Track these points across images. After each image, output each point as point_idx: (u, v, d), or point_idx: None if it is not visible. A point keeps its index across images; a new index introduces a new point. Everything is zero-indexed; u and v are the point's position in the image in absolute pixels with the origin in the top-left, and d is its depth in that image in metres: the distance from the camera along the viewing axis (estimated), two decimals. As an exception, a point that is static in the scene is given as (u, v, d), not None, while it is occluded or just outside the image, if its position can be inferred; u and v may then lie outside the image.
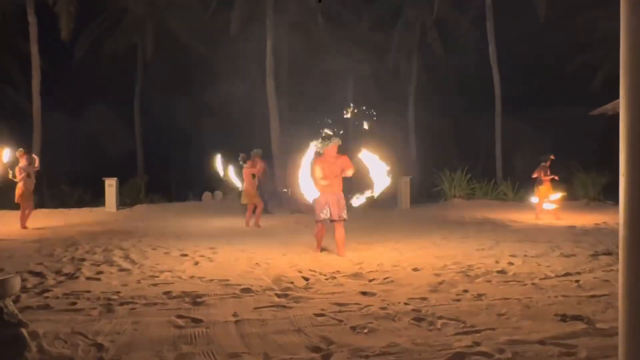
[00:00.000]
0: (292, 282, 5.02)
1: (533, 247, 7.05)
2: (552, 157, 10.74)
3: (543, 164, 10.74)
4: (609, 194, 14.22)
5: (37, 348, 3.09)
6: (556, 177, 10.83)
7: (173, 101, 21.68)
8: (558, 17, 17.92)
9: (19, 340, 2.96)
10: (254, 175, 10.15)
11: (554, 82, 19.49)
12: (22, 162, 10.02)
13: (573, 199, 14.57)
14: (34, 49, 16.59)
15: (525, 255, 6.35)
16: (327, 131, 6.88)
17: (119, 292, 4.65)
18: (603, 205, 13.69)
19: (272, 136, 16.73)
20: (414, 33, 20.89)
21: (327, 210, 6.48)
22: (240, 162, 10.20)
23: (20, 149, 10.36)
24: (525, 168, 16.93)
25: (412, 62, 21.31)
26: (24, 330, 3.03)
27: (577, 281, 4.90)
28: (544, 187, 10.77)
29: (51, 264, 6.16)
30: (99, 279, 5.30)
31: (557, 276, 5.14)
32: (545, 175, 10.70)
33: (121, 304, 4.24)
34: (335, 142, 6.54)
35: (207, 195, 16.30)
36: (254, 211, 10.18)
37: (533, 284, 4.84)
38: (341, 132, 19.66)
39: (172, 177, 19.27)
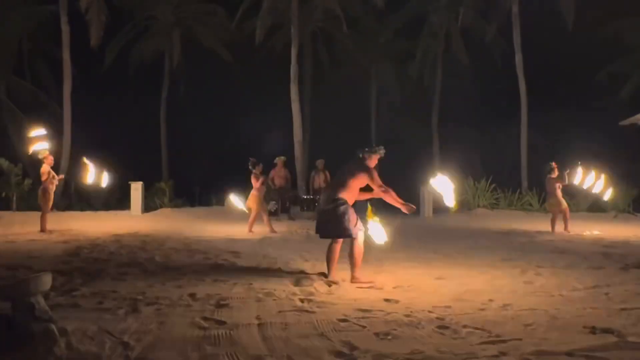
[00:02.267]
0: (314, 287, 5.02)
1: (560, 258, 6.90)
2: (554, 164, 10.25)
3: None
4: (639, 207, 13.86)
5: (66, 344, 3.15)
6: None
7: (198, 107, 22.03)
8: (586, 26, 17.63)
9: (49, 335, 3.03)
10: (262, 183, 10.15)
11: (582, 91, 19.14)
12: (47, 164, 10.03)
13: (601, 211, 14.23)
14: (66, 55, 17.05)
15: (552, 267, 6.21)
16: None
17: (144, 293, 4.72)
18: (633, 218, 13.33)
19: (295, 142, 16.82)
20: (438, 41, 20.81)
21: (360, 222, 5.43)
22: (250, 167, 10.18)
23: (46, 150, 10.43)
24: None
25: (436, 70, 21.21)
26: (53, 326, 3.10)
27: (606, 293, 4.77)
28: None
29: (78, 264, 6.30)
30: (124, 280, 5.40)
31: (585, 288, 5.02)
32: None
33: (146, 304, 4.30)
34: (380, 152, 5.54)
35: (230, 200, 16.42)
36: (274, 213, 10.18)
37: (561, 295, 4.74)
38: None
39: (195, 182, 19.52)
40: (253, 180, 10.06)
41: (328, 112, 20.67)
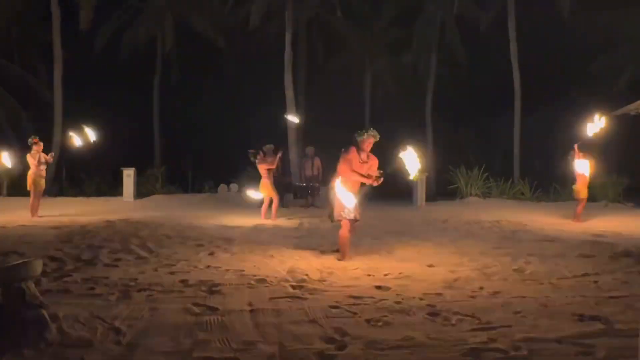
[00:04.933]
0: (306, 274, 5.03)
1: (551, 247, 6.96)
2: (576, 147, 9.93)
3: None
4: (629, 197, 13.96)
5: (57, 330, 3.15)
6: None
7: (191, 93, 21.84)
8: (582, 15, 17.57)
9: (40, 321, 3.03)
10: (269, 170, 10.15)
11: (576, 81, 19.15)
12: (36, 150, 9.98)
13: (592, 200, 14.33)
14: (57, 39, 16.80)
15: (542, 255, 6.26)
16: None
17: (136, 279, 4.72)
18: (623, 208, 13.44)
19: (288, 129, 16.75)
20: (434, 29, 20.69)
21: (351, 208, 5.80)
22: (251, 158, 10.21)
23: (33, 135, 10.35)
24: (544, 167, 16.70)
25: (431, 58, 21.13)
26: (44, 312, 3.10)
27: (595, 282, 4.83)
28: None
29: (70, 250, 6.27)
30: (116, 266, 5.39)
31: (575, 276, 5.07)
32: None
33: (138, 291, 4.30)
34: (372, 135, 5.83)
35: (223, 187, 16.39)
36: (270, 204, 10.22)
37: (550, 283, 4.79)
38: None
39: (188, 169, 19.43)
40: (260, 169, 10.09)
41: (322, 99, 20.57)
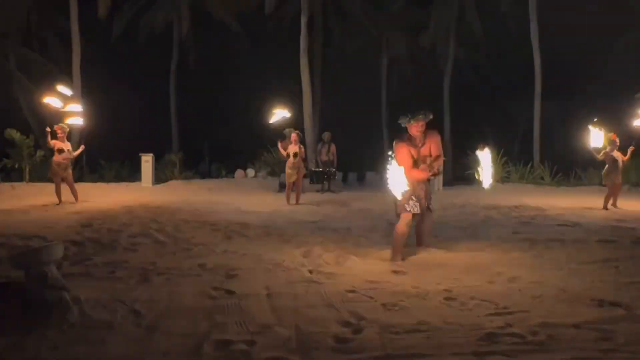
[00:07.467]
0: (323, 259, 5.05)
1: (571, 232, 6.85)
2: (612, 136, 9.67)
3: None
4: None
5: (79, 312, 3.22)
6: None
7: (208, 78, 21.87)
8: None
9: (63, 303, 3.10)
10: (289, 155, 10.21)
11: (600, 61, 18.65)
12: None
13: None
14: (75, 26, 16.92)
15: (562, 240, 6.18)
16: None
17: (155, 263, 4.79)
18: (646, 192, 13.16)
19: (304, 113, 16.71)
20: (452, 10, 20.30)
21: (414, 203, 5.12)
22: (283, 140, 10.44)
23: (62, 124, 10.44)
24: (564, 152, 16.38)
25: (449, 40, 20.76)
26: (66, 295, 3.17)
27: (616, 267, 4.75)
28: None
29: (90, 234, 6.39)
30: (135, 250, 5.48)
31: (595, 261, 4.99)
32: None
33: (157, 274, 4.37)
34: (416, 119, 5.01)
35: (239, 172, 16.49)
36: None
37: (570, 268, 4.72)
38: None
39: (205, 155, 19.59)
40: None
41: (338, 83, 20.44)
